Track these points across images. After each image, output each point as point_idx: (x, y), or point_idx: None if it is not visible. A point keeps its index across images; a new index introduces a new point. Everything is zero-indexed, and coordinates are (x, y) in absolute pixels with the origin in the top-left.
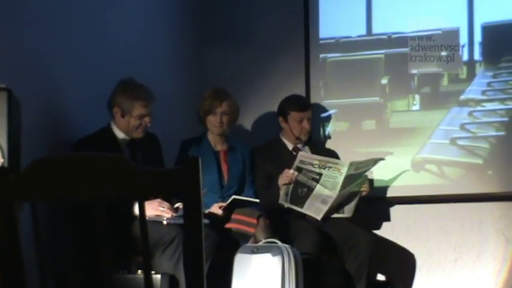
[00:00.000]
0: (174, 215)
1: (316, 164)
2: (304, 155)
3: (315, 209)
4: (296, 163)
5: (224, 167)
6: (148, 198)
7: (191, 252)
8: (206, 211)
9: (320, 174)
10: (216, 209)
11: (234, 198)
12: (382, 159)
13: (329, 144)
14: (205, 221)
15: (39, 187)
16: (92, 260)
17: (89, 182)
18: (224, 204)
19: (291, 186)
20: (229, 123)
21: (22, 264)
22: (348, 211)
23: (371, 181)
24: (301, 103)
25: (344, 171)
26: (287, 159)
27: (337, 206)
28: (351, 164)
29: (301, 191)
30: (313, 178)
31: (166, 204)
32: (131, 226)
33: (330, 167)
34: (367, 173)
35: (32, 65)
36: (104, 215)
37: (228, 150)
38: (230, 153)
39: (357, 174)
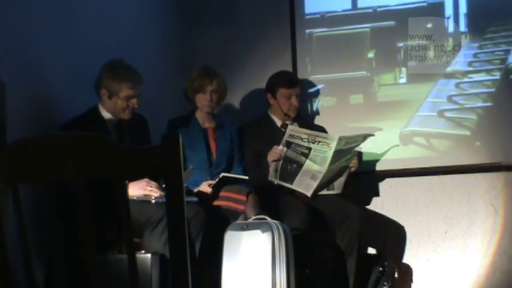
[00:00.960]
0: (162, 193)
1: (305, 138)
2: (294, 129)
3: (304, 185)
4: (285, 137)
5: (212, 145)
6: (131, 177)
7: (174, 230)
8: (195, 189)
9: (309, 149)
10: (205, 187)
11: (223, 176)
12: (372, 135)
13: (317, 120)
14: (194, 198)
15: (18, 169)
16: (78, 241)
17: (69, 161)
18: (213, 182)
19: (280, 162)
20: (218, 101)
21: (5, 246)
22: (337, 187)
23: (360, 156)
24: (289, 79)
25: (333, 145)
26: (276, 135)
27: (327, 182)
28: (340, 139)
29: (291, 167)
30: (302, 153)
31: (153, 183)
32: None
33: (319, 142)
34: (356, 149)
35: (16, 47)
36: (86, 195)
37: (216, 127)
38: (218, 131)
39: (346, 149)
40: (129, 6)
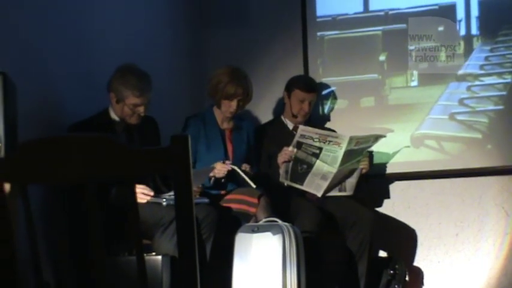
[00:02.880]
0: (151, 194)
1: (316, 138)
2: (305, 129)
3: (315, 186)
4: (296, 138)
5: (229, 147)
6: (139, 178)
7: (183, 231)
8: (211, 174)
9: (320, 149)
10: (219, 165)
11: (233, 169)
12: (383, 136)
13: (328, 122)
14: (205, 200)
15: (28, 169)
16: (88, 242)
17: (78, 162)
18: (228, 164)
19: (291, 163)
20: (242, 107)
21: (14, 248)
22: (349, 189)
23: (371, 157)
24: (307, 84)
25: (344, 145)
26: (287, 138)
27: (337, 182)
28: (351, 139)
29: (301, 168)
30: (313, 153)
31: (141, 186)
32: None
33: (330, 141)
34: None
35: (25, 49)
36: (95, 196)
37: (233, 129)
38: (235, 133)
39: (357, 150)
40: (141, 8)
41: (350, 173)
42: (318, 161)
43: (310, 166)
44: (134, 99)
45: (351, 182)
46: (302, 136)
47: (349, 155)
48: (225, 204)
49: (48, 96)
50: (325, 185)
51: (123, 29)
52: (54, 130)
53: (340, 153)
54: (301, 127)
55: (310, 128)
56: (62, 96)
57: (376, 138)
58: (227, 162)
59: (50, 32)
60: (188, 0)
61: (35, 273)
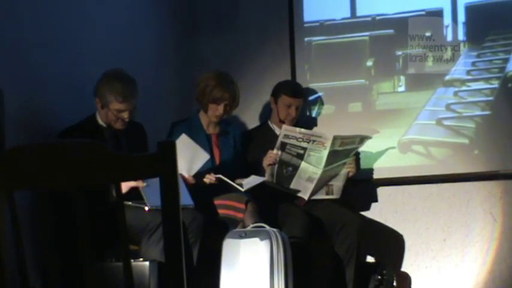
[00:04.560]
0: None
1: (300, 138)
2: (288, 128)
3: (301, 188)
4: (280, 138)
5: (216, 152)
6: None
7: (169, 236)
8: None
9: (304, 149)
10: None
11: (220, 178)
12: (369, 137)
13: (316, 128)
14: (191, 204)
15: (15, 176)
16: (74, 249)
17: (65, 169)
18: (212, 178)
19: (276, 166)
20: (229, 112)
21: (1, 254)
22: (336, 192)
23: (357, 160)
24: (293, 89)
25: (328, 145)
26: (274, 143)
27: (323, 184)
28: (335, 138)
29: (286, 171)
30: (297, 154)
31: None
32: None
33: (314, 141)
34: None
35: (13, 54)
36: (82, 202)
37: (220, 134)
38: (222, 138)
39: (343, 151)
40: (129, 14)
41: (336, 176)
42: (303, 162)
43: (296, 168)
44: (117, 105)
45: (338, 185)
46: (286, 136)
47: (334, 156)
48: (212, 210)
49: (37, 102)
50: (311, 187)
51: (112, 34)
52: (43, 136)
53: (325, 153)
54: (284, 126)
55: (293, 128)
56: (51, 101)
57: (362, 139)
58: (212, 174)
59: (39, 38)
60: (177, 6)
61: (22, 279)
